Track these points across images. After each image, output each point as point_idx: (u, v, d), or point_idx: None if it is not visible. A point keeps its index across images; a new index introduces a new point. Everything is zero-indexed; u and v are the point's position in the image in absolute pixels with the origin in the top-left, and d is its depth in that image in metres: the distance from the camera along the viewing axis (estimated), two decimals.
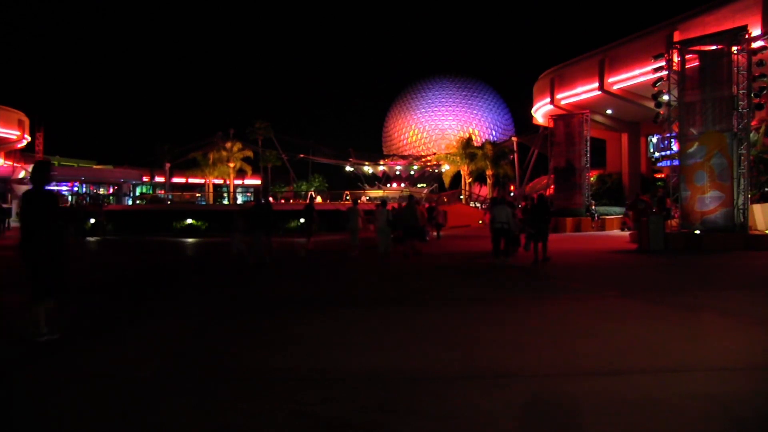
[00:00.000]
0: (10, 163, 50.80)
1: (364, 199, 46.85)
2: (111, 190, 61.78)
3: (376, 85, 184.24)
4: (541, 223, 12.85)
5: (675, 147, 18.89)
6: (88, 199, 48.68)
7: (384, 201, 16.77)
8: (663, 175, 29.29)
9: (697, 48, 17.03)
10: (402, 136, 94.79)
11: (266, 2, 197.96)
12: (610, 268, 12.67)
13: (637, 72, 25.53)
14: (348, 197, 45.10)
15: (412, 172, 76.91)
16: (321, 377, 4.30)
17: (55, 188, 53.84)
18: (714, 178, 15.90)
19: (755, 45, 17.05)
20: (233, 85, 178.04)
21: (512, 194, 45.72)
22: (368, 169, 74.45)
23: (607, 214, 28.04)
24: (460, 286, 9.56)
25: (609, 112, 32.33)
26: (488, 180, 46.48)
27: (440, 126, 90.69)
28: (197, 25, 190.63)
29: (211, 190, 54.15)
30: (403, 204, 17.42)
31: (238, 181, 59.75)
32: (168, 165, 52.85)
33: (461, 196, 44.71)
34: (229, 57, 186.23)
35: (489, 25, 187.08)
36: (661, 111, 17.95)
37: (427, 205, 24.56)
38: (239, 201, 59.33)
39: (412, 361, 4.72)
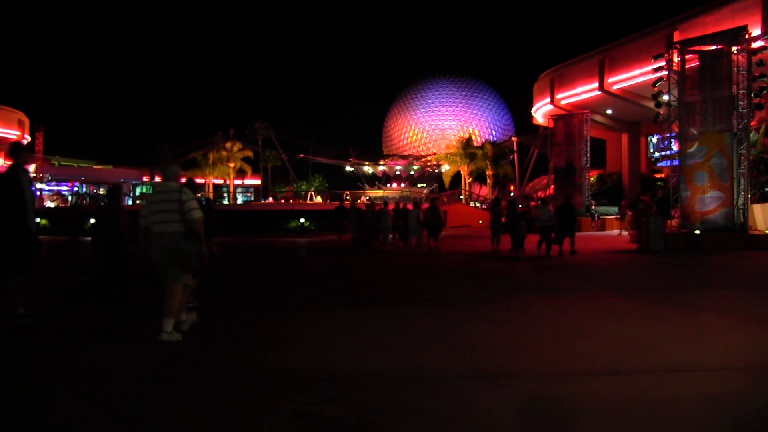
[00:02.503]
0: (10, 163, 50.78)
1: (363, 199, 46.86)
2: None
3: (376, 85, 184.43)
4: (571, 221, 15.21)
5: (675, 147, 18.91)
6: (87, 199, 48.70)
7: (416, 202, 19.42)
8: (663, 175, 29.29)
9: (697, 48, 17.03)
10: (402, 136, 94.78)
11: (266, 2, 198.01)
12: (610, 268, 12.68)
13: (637, 72, 25.53)
14: (348, 197, 45.11)
15: (412, 172, 76.93)
16: (321, 377, 4.30)
17: (56, 188, 53.86)
18: (714, 178, 15.90)
19: (755, 45, 17.06)
20: (233, 85, 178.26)
21: (512, 194, 45.75)
22: (368, 169, 74.48)
23: (607, 214, 28.09)
24: (461, 286, 9.57)
25: (609, 112, 32.33)
26: (488, 180, 46.47)
27: (440, 126, 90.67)
28: (197, 25, 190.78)
29: (211, 190, 54.17)
30: (420, 206, 19.09)
31: (238, 181, 59.79)
32: None
33: (461, 196, 44.72)
34: (229, 57, 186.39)
35: (489, 25, 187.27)
36: (661, 111, 17.96)
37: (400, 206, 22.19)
38: (239, 201, 59.33)
39: (412, 361, 4.72)
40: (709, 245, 15.28)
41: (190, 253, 5.29)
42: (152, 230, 5.35)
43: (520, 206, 23.15)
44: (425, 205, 20.35)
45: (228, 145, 52.58)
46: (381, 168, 76.79)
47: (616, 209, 28.75)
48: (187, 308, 5.81)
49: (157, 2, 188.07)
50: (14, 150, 6.20)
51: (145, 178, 61.46)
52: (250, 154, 54.70)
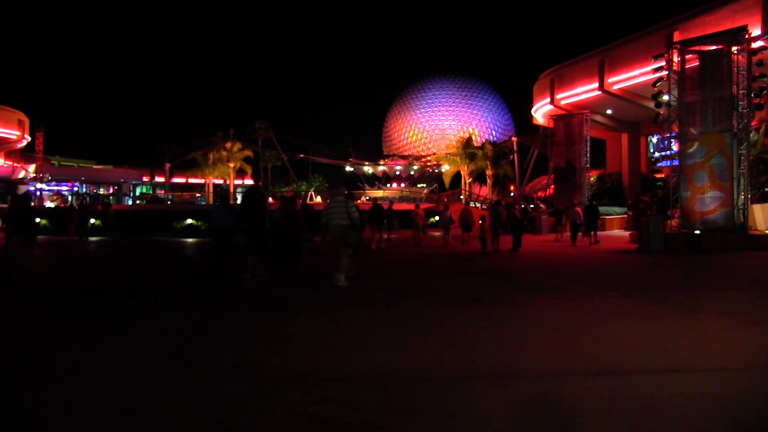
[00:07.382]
0: (10, 163, 50.78)
1: (363, 199, 46.86)
2: (111, 190, 61.74)
3: (376, 85, 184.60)
4: (595, 219, 19.29)
5: (675, 147, 18.90)
6: (88, 199, 48.71)
7: (446, 205, 23.11)
8: (663, 175, 29.30)
9: (697, 48, 17.03)
10: (402, 136, 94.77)
11: (266, 2, 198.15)
12: (610, 268, 12.67)
13: (637, 72, 25.53)
14: None
15: (412, 172, 76.95)
16: (321, 377, 4.30)
17: (56, 188, 53.90)
18: (714, 178, 15.90)
19: (755, 45, 17.06)
20: (233, 85, 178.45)
21: (512, 194, 45.73)
22: (368, 169, 74.49)
23: (607, 214, 28.03)
24: (461, 286, 9.56)
25: (609, 112, 32.32)
26: (488, 180, 46.45)
27: (440, 126, 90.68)
28: (197, 25, 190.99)
29: (211, 190, 54.07)
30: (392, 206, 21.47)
31: (238, 181, 59.69)
32: (168, 165, 52.80)
33: (461, 197, 44.70)
34: (229, 57, 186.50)
35: (489, 25, 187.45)
36: (661, 111, 17.95)
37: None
38: (239, 201, 59.33)
39: (412, 361, 4.72)
40: (709, 245, 15.27)
41: (352, 237, 8.96)
42: (329, 223, 9.03)
43: (520, 206, 23.40)
44: (426, 205, 22.13)
45: (228, 145, 52.48)
46: (381, 168, 76.79)
47: (616, 209, 28.77)
48: (349, 275, 9.28)
49: (157, 2, 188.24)
50: (255, 179, 10.98)
51: (145, 178, 61.37)
52: (250, 154, 54.57)
